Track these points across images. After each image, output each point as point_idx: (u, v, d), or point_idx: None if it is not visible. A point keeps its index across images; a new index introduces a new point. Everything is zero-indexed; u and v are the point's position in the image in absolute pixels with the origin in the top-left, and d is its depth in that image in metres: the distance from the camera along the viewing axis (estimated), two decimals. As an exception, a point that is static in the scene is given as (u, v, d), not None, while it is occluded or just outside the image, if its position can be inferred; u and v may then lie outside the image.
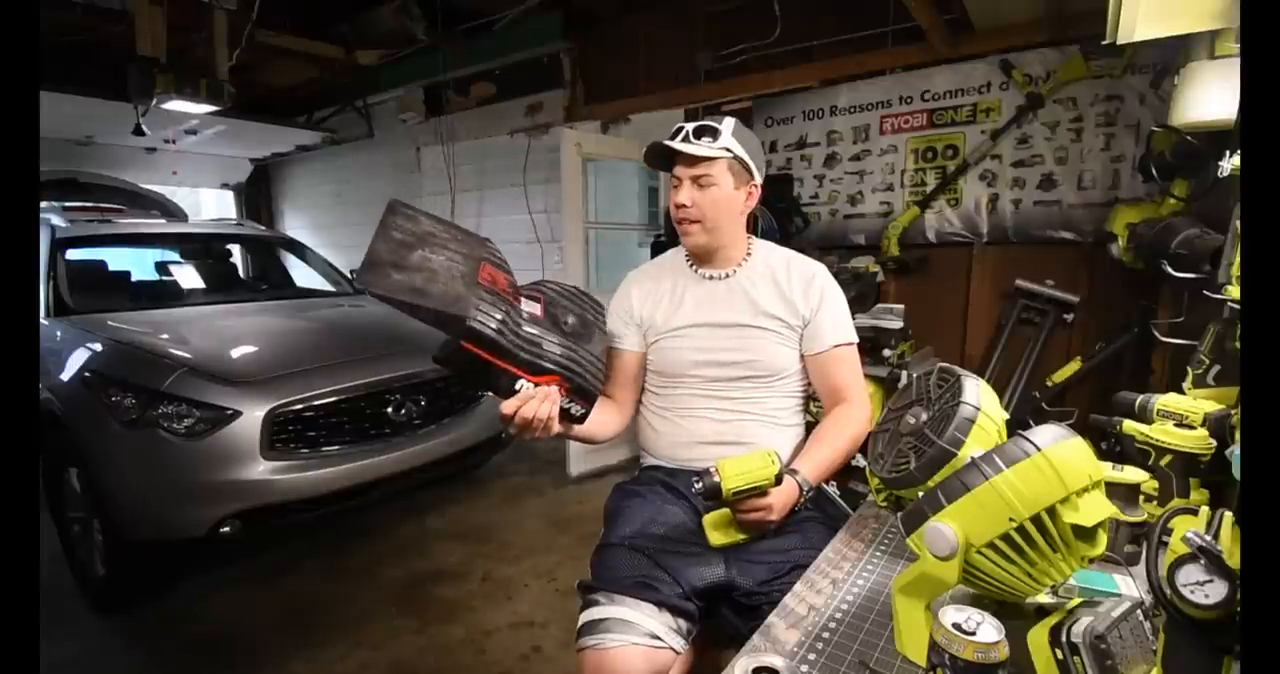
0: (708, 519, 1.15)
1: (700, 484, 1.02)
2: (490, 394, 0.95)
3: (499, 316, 0.91)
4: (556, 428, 1.03)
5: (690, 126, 1.22)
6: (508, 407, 0.97)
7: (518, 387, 0.95)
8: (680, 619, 1.06)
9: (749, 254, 1.33)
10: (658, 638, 1.02)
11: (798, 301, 1.27)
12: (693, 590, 1.07)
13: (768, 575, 1.08)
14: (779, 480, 1.04)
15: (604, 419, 1.29)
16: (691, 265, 1.35)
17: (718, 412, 1.27)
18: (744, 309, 1.28)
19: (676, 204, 1.25)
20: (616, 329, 1.38)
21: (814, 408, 1.35)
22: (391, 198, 1.01)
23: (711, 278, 1.32)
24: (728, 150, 1.21)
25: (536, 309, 1.05)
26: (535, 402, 0.98)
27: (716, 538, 1.12)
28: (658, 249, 3.47)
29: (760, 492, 1.04)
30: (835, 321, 1.28)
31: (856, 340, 1.31)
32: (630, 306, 1.37)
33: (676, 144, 1.21)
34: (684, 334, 1.29)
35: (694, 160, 1.22)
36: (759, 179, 1.29)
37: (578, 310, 1.13)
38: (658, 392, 1.35)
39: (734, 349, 1.26)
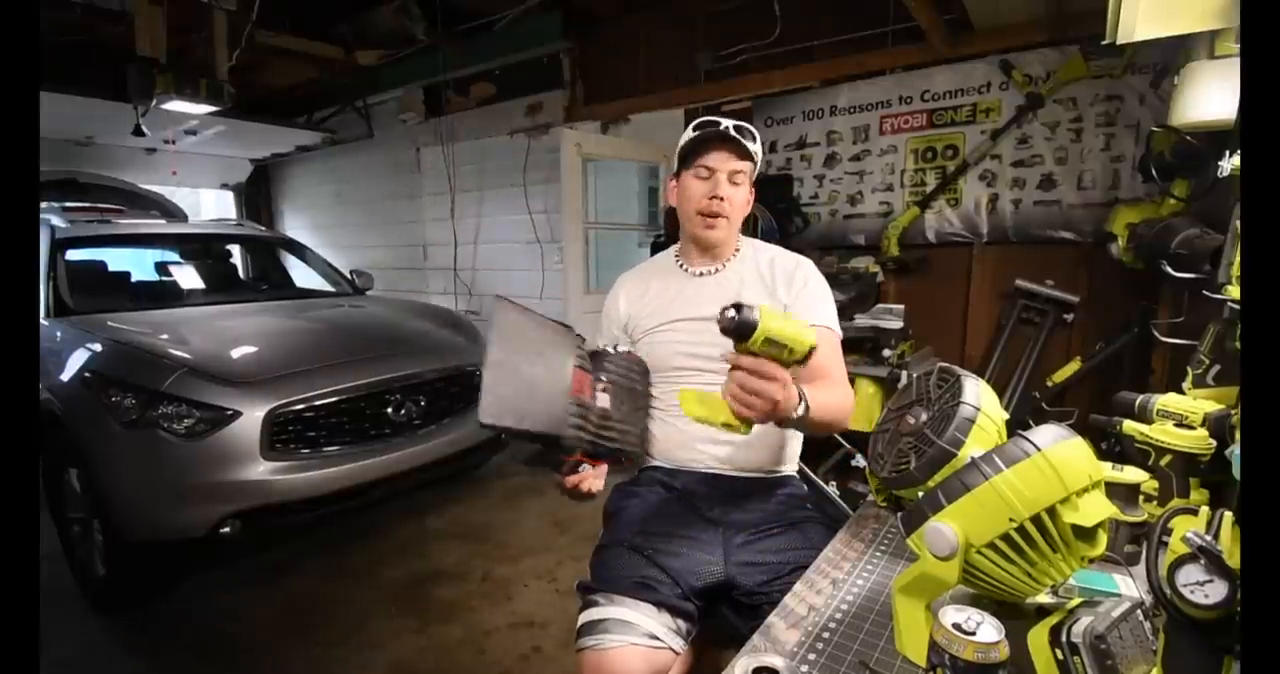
0: (687, 392, 0.96)
1: (732, 314, 0.85)
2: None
3: (578, 427, 1.08)
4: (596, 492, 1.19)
5: (731, 124, 1.23)
6: (571, 480, 1.14)
7: (580, 469, 1.14)
8: (679, 619, 1.06)
9: (737, 250, 1.36)
10: (657, 638, 1.02)
11: (780, 291, 1.28)
12: (692, 591, 1.07)
13: (767, 576, 1.08)
14: (805, 361, 0.90)
15: None
16: (680, 264, 1.38)
17: None
18: (727, 302, 1.26)
19: (713, 196, 1.24)
20: (607, 331, 1.42)
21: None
22: (496, 295, 1.16)
23: (701, 274, 1.34)
24: (757, 155, 1.26)
25: (606, 401, 1.16)
26: (591, 478, 1.15)
27: (695, 410, 0.93)
28: (657, 249, 3.48)
29: (782, 359, 0.89)
30: (814, 305, 1.27)
31: (838, 330, 1.29)
32: (619, 309, 1.40)
33: (736, 136, 1.21)
34: (669, 329, 1.31)
35: (736, 155, 1.23)
36: None
37: (627, 379, 1.24)
38: (651, 390, 1.35)
39: (717, 342, 1.24)
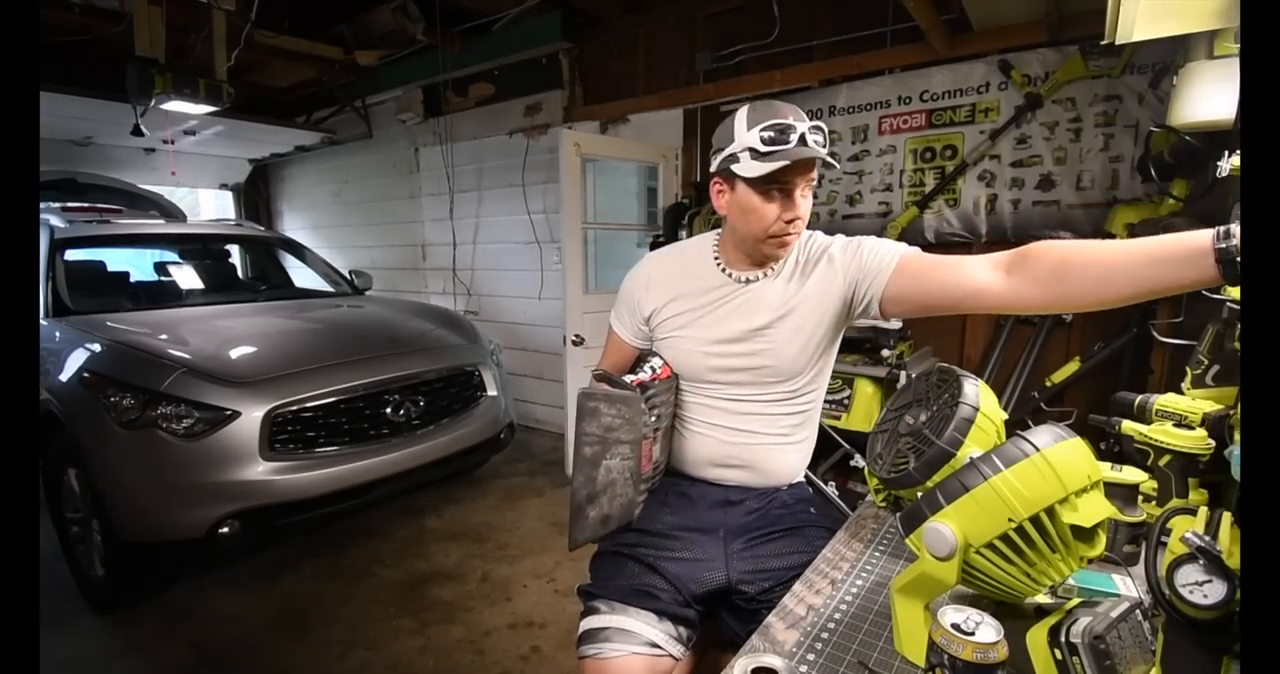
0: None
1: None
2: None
3: (640, 504, 1.17)
4: None
5: (806, 127, 1.04)
6: None
7: None
8: (680, 627, 1.05)
9: None
10: (657, 646, 1.02)
11: (825, 281, 1.14)
12: (692, 597, 1.06)
13: (771, 582, 1.07)
14: None
15: None
16: (722, 266, 1.20)
17: (730, 431, 1.19)
18: (767, 311, 1.16)
19: (792, 218, 1.07)
20: (622, 315, 1.29)
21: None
22: (580, 391, 1.12)
23: (747, 281, 1.18)
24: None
25: (657, 451, 1.19)
26: None
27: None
28: (656, 248, 3.48)
29: None
30: (881, 249, 1.10)
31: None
32: (645, 301, 1.24)
33: (818, 149, 1.03)
34: (703, 339, 1.18)
35: (812, 166, 1.06)
36: None
37: (669, 414, 1.22)
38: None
39: (748, 353, 1.16)
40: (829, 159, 1.04)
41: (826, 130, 1.07)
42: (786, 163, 1.02)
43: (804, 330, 1.14)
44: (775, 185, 1.06)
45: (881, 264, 1.07)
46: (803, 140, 1.03)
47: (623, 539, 1.17)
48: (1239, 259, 0.67)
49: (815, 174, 1.08)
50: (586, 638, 1.04)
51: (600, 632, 1.03)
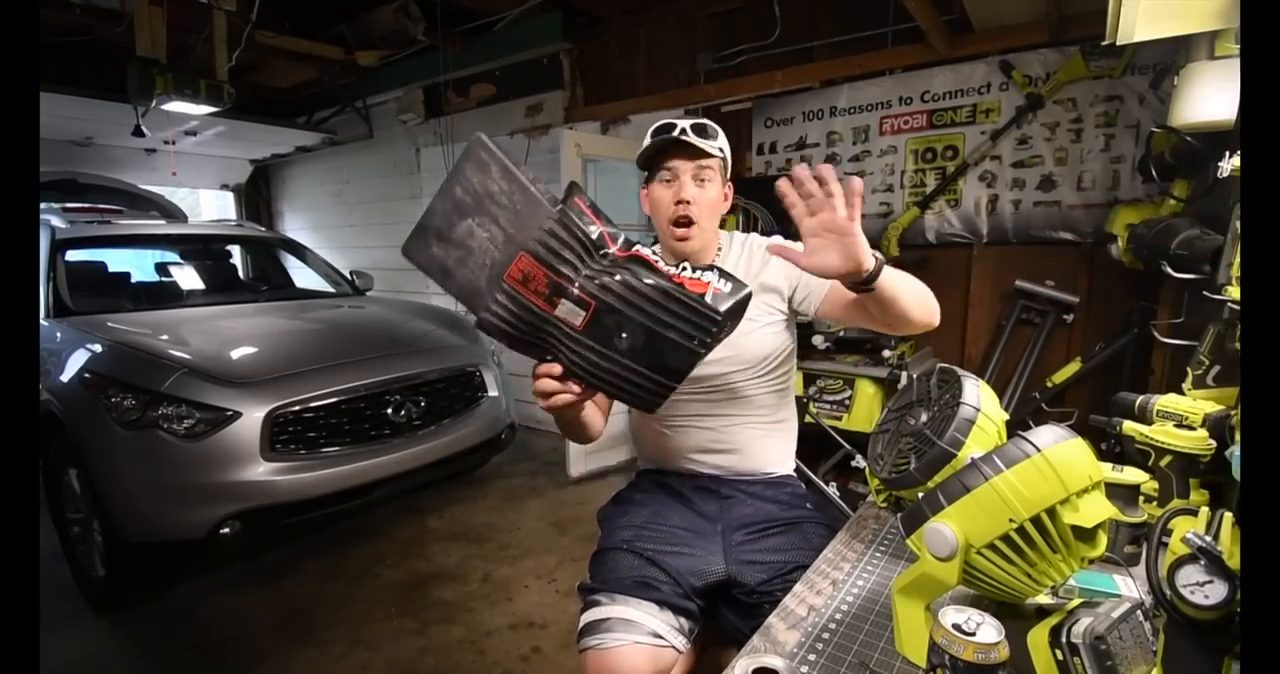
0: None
1: None
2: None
3: (510, 320, 0.88)
4: (570, 409, 0.95)
5: (687, 123, 1.17)
6: (541, 369, 0.91)
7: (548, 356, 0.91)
8: (681, 618, 1.06)
9: (719, 251, 1.28)
10: (660, 637, 1.02)
11: (771, 279, 1.23)
12: (693, 590, 1.07)
13: (768, 574, 1.08)
14: None
15: (595, 416, 1.18)
16: None
17: (710, 418, 1.24)
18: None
19: (678, 200, 1.17)
20: None
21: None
22: (478, 134, 0.90)
23: None
24: (721, 150, 1.19)
25: (578, 320, 0.87)
26: (558, 386, 0.90)
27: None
28: (657, 250, 3.47)
29: None
30: None
31: None
32: None
33: (692, 138, 1.14)
34: None
35: (696, 154, 1.16)
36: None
37: (648, 322, 0.85)
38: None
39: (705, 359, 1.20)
40: (688, 140, 1.13)
41: (718, 130, 1.20)
42: (658, 141, 1.16)
43: (759, 317, 1.22)
44: (663, 172, 1.19)
45: (820, 280, 1.17)
46: (683, 134, 1.15)
47: (621, 536, 1.17)
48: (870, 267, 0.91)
49: (709, 163, 1.17)
50: (588, 630, 1.04)
51: (602, 623, 1.03)
